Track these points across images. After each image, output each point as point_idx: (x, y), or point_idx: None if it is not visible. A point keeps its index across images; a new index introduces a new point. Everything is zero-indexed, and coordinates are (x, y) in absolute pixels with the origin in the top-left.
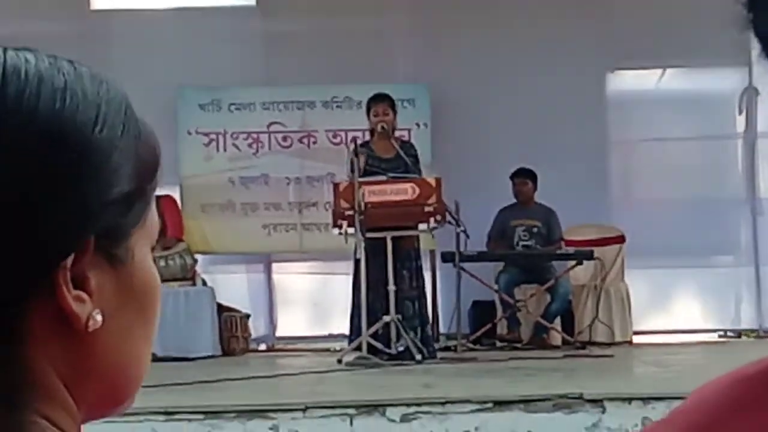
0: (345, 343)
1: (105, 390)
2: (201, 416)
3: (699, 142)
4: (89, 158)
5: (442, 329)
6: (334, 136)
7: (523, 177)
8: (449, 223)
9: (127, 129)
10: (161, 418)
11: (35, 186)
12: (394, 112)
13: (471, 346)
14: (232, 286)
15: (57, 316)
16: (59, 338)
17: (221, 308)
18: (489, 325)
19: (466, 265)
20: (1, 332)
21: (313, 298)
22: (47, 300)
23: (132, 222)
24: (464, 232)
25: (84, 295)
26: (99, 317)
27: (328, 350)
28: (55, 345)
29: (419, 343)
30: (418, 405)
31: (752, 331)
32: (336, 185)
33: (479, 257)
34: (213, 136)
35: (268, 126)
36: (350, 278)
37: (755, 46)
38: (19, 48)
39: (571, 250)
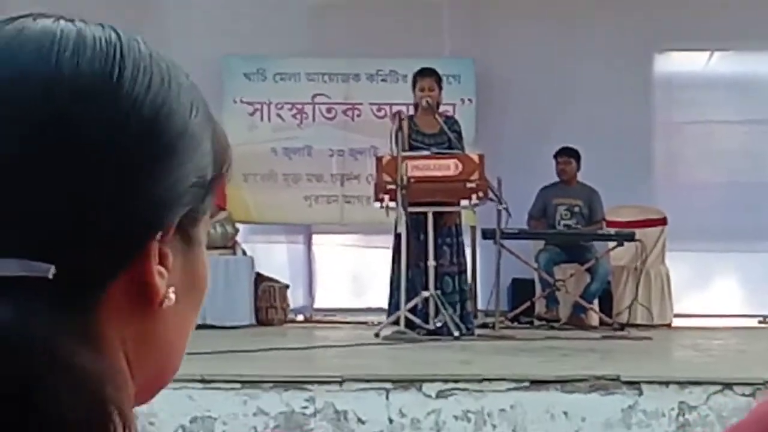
0: (383, 317)
1: (155, 373)
2: (238, 385)
3: (745, 126)
4: (188, 141)
5: (480, 306)
6: (378, 110)
7: (567, 156)
8: (491, 200)
9: (208, 116)
10: (198, 386)
11: (147, 160)
12: (440, 88)
13: (509, 323)
14: (272, 257)
15: (134, 290)
16: (129, 315)
17: (260, 278)
18: (527, 304)
19: (506, 242)
20: (84, 307)
21: (352, 271)
22: (128, 273)
23: (205, 208)
24: (506, 209)
25: (164, 271)
26: (173, 295)
27: (365, 323)
28: (124, 322)
29: (457, 320)
30: (455, 381)
31: None
32: (379, 159)
33: (520, 235)
34: (257, 106)
35: (313, 97)
36: (390, 252)
37: None
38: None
39: (612, 230)
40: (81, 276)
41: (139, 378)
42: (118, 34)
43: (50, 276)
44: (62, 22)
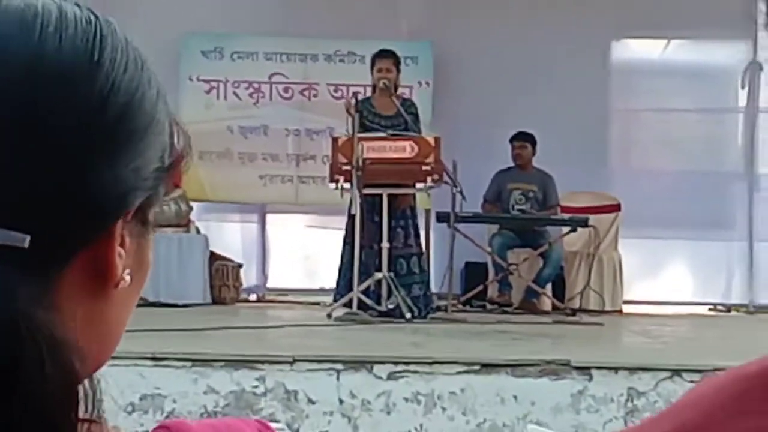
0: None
1: (99, 352)
2: (188, 363)
3: (700, 115)
4: (155, 126)
5: (433, 289)
6: (336, 90)
7: (523, 141)
8: (446, 182)
9: (166, 103)
10: (149, 363)
11: (119, 143)
12: (398, 70)
13: (461, 307)
14: (226, 235)
15: (92, 269)
16: (83, 293)
17: (214, 256)
18: (480, 287)
19: (460, 226)
20: (50, 280)
21: (305, 251)
22: (90, 251)
23: (161, 192)
24: (461, 192)
25: (123, 252)
26: (128, 277)
27: (318, 304)
28: (77, 300)
29: (410, 302)
30: (406, 363)
31: (742, 306)
32: (335, 139)
33: (474, 219)
34: (214, 84)
35: (270, 76)
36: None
37: (761, 15)
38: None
39: (566, 216)
40: (49, 249)
41: (86, 355)
42: (95, 15)
43: (25, 245)
44: None
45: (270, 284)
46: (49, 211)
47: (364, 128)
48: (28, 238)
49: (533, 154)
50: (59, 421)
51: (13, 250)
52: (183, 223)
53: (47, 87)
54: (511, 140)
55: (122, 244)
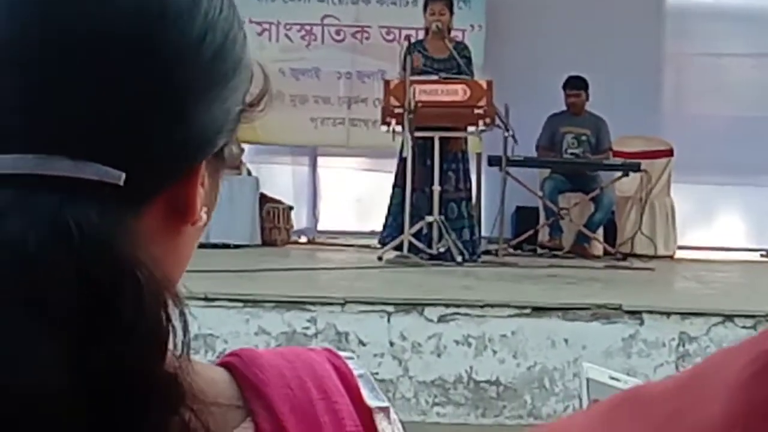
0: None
1: None
2: (240, 304)
3: (755, 59)
4: (243, 68)
5: (484, 233)
6: (388, 33)
7: (576, 89)
8: (498, 126)
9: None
10: (201, 303)
11: (214, 82)
12: (451, 13)
13: (512, 251)
14: (277, 178)
15: (173, 206)
16: (162, 229)
17: (264, 199)
18: (531, 231)
19: (512, 169)
20: (138, 217)
21: (356, 194)
22: (174, 188)
23: (236, 134)
24: (512, 136)
25: (202, 191)
26: (204, 215)
27: (368, 246)
28: (156, 238)
29: (460, 245)
30: (457, 306)
31: None
32: (387, 82)
33: (526, 162)
34: (266, 26)
35: (322, 19)
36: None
37: None
38: None
39: (618, 160)
40: (140, 187)
41: None
42: None
43: (121, 183)
44: None
45: (321, 227)
46: (144, 149)
47: (417, 71)
48: (123, 175)
49: (587, 100)
50: (157, 356)
51: (108, 187)
52: (234, 165)
53: (150, 25)
54: (564, 87)
55: (202, 183)
